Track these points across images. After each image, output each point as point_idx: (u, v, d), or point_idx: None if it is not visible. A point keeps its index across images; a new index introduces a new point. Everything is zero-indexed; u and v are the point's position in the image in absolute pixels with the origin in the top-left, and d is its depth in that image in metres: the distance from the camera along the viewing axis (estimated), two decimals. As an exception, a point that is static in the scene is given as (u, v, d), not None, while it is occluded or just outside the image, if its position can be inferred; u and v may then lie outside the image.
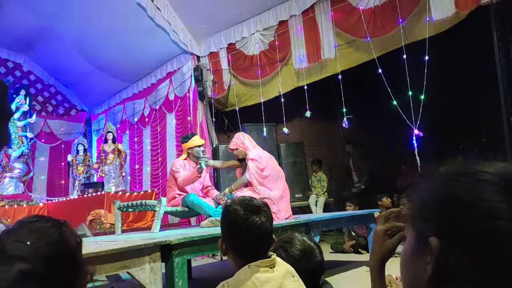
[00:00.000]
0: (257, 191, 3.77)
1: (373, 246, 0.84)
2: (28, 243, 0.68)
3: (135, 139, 8.73)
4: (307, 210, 6.72)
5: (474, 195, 0.47)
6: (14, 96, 8.44)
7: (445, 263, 0.47)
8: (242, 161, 4.09)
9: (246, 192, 3.74)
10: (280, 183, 3.98)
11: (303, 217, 4.09)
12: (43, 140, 9.49)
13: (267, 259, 1.23)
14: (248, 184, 3.94)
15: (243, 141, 4.03)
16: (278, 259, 1.28)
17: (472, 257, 0.45)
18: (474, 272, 0.44)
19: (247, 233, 1.24)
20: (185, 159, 4.23)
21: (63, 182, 9.44)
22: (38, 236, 0.70)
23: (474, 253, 0.45)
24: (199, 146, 4.17)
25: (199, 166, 3.91)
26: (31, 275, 0.65)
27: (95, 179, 8.25)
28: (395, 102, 4.63)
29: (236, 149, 4.04)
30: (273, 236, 1.33)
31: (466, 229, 0.46)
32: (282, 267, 1.26)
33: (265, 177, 3.87)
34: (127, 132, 9.01)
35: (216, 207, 3.92)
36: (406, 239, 0.56)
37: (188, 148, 4.20)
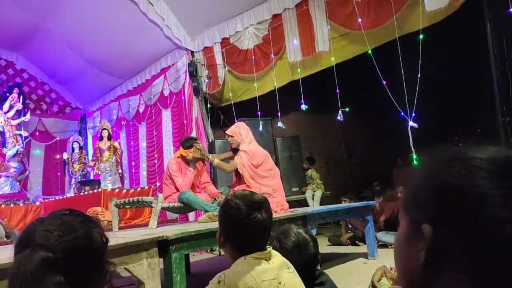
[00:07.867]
0: (247, 183, 3.75)
1: None
2: (55, 234, 0.72)
3: (131, 136, 8.69)
4: (304, 204, 6.72)
5: (467, 181, 0.46)
6: (8, 94, 8.37)
7: (438, 250, 0.46)
8: (235, 152, 4.06)
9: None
10: (272, 181, 3.91)
11: (300, 210, 4.10)
12: (38, 139, 9.44)
13: (263, 251, 1.25)
14: (240, 179, 3.92)
15: (240, 131, 3.99)
16: (274, 252, 1.31)
17: (465, 244, 0.44)
18: (467, 259, 0.44)
19: (248, 229, 1.25)
20: (179, 157, 4.18)
21: (59, 180, 9.40)
22: (66, 229, 0.74)
23: (467, 240, 0.44)
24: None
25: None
26: (52, 264, 0.68)
27: (91, 177, 8.22)
28: (390, 94, 4.63)
29: (232, 136, 4.00)
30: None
31: (458, 216, 0.45)
32: (278, 258, 1.28)
33: (257, 173, 3.84)
34: (123, 129, 8.96)
35: (212, 203, 3.91)
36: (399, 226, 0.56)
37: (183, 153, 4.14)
